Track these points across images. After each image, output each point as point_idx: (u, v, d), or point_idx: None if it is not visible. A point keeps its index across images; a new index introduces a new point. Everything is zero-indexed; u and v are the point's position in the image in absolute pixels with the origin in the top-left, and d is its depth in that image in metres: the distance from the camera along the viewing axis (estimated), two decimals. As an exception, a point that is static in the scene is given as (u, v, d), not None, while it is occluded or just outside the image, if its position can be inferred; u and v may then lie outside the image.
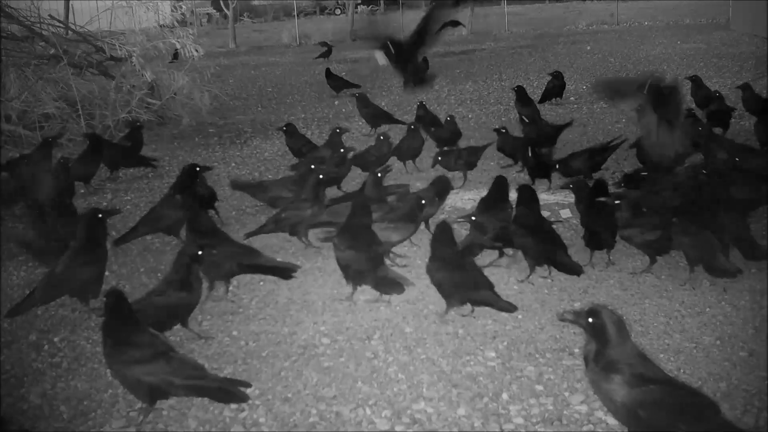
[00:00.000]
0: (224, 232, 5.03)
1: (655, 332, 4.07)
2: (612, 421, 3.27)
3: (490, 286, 4.26)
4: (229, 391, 3.36)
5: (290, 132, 8.09)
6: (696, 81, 9.68)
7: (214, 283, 4.71)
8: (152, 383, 3.30)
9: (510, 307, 4.18)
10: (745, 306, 4.35)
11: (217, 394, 3.38)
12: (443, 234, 4.40)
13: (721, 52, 16.75)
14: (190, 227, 4.87)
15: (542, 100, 11.09)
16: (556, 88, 11.28)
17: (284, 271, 4.73)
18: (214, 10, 37.19)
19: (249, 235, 5.49)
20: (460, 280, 4.24)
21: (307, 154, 7.51)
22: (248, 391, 3.48)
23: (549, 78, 11.42)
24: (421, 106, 8.94)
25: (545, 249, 4.73)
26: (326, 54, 20.22)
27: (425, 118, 8.66)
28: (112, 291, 3.55)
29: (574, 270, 4.68)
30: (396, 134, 8.36)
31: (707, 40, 19.50)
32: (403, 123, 9.10)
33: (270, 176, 8.06)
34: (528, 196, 5.02)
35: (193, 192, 5.71)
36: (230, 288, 4.80)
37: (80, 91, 10.30)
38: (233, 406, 3.49)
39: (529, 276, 4.81)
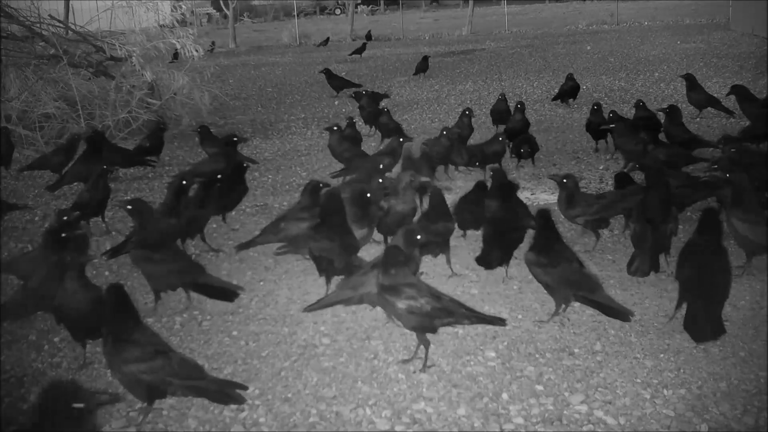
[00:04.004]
0: (176, 244, 4.78)
1: (655, 332, 4.07)
2: (612, 420, 3.27)
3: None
4: (226, 393, 3.36)
5: (204, 134, 7.97)
6: (690, 80, 9.68)
7: (159, 293, 4.54)
8: (150, 382, 3.29)
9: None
10: (745, 306, 4.35)
11: (214, 396, 3.38)
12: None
13: (721, 52, 16.74)
14: (139, 237, 4.63)
15: (555, 98, 11.05)
16: (570, 90, 11.16)
17: (228, 294, 4.49)
18: (214, 10, 37.25)
19: (241, 247, 5.23)
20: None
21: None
22: (248, 391, 3.49)
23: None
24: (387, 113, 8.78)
25: None
26: (361, 50, 20.53)
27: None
28: (113, 286, 3.53)
29: None
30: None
31: (707, 40, 19.50)
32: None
33: (270, 176, 8.07)
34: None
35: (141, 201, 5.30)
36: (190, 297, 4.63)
37: (80, 91, 10.30)
38: (233, 405, 3.49)
39: None
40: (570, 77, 11.34)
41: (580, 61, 16.66)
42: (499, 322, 3.81)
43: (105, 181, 6.26)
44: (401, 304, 3.68)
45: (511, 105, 8.85)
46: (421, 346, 3.81)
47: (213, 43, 25.40)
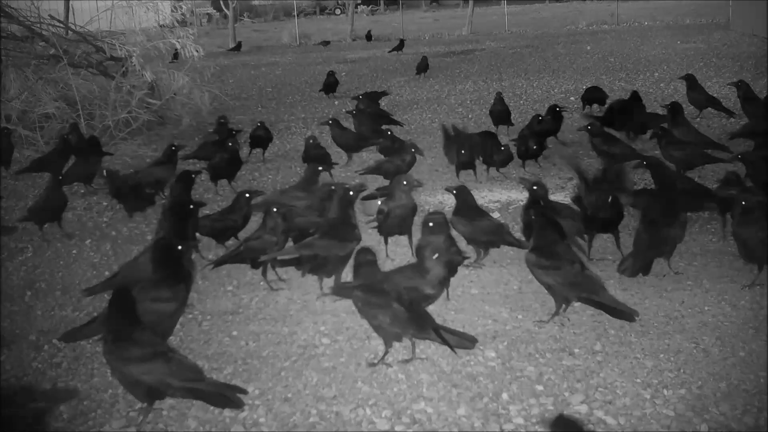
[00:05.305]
0: None
1: (655, 332, 4.07)
2: (611, 420, 3.27)
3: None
4: (225, 396, 3.35)
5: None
6: (690, 81, 9.66)
7: None
8: (149, 383, 3.29)
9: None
10: (745, 306, 4.35)
11: (213, 399, 3.37)
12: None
13: (721, 52, 16.75)
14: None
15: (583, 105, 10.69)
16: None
17: None
18: (214, 10, 37.24)
19: (216, 264, 4.99)
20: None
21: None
22: (248, 391, 3.48)
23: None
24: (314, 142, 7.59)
25: None
26: (399, 47, 21.07)
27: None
28: (121, 289, 3.54)
29: None
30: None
31: (707, 40, 19.50)
32: (401, 124, 9.06)
33: (270, 176, 8.07)
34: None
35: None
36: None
37: (80, 91, 10.30)
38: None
39: None
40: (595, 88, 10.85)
41: (580, 61, 16.66)
42: (469, 344, 3.82)
43: (60, 189, 6.32)
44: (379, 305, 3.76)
45: (511, 105, 8.77)
46: (409, 346, 3.85)
47: (240, 42, 26.12)
